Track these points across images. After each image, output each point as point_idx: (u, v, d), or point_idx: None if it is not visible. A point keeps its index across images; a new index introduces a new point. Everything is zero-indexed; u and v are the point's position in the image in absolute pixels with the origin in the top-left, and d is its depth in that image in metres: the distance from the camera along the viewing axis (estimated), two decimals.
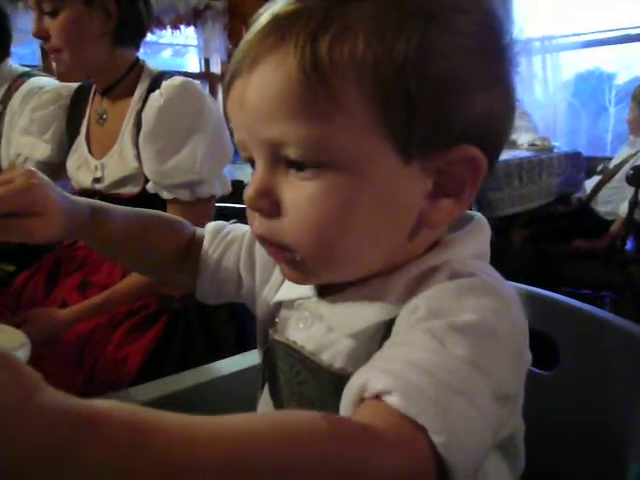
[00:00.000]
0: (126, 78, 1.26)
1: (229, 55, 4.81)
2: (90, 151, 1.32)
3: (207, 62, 4.90)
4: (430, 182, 0.43)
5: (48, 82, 1.59)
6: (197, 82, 1.26)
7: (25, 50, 3.84)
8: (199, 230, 0.66)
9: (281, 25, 0.41)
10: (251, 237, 0.61)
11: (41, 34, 1.19)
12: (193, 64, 4.92)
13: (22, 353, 0.70)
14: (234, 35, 4.83)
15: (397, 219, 0.44)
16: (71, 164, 1.35)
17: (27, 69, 1.72)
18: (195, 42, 4.75)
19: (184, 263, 0.64)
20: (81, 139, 1.35)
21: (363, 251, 0.45)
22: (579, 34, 3.81)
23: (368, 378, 0.35)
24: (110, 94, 1.29)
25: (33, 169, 0.57)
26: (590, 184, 3.09)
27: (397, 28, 0.39)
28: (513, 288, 0.46)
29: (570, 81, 4.04)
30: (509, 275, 0.64)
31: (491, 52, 0.44)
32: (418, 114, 0.40)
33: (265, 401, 0.57)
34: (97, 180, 1.27)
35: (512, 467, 0.50)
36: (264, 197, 0.44)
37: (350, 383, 0.37)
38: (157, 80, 1.24)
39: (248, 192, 0.45)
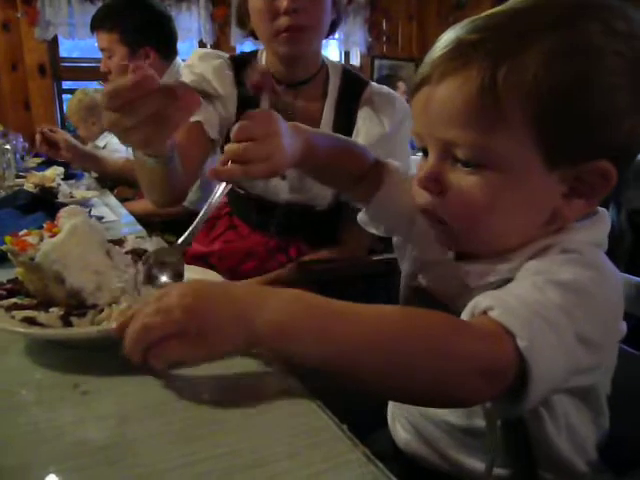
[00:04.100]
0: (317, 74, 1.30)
1: (369, 48, 4.92)
2: None
3: (347, 55, 5.06)
4: (566, 186, 0.53)
5: None
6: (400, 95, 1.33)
7: (184, 45, 4.23)
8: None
9: (464, 51, 0.51)
10: None
11: None
12: (333, 56, 5.11)
13: None
14: (374, 28, 4.93)
15: (534, 213, 0.54)
16: None
17: None
18: (336, 35, 4.92)
19: (363, 181, 0.74)
20: None
21: (502, 233, 0.55)
22: None
23: (479, 300, 0.48)
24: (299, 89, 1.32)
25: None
26: None
27: (558, 66, 0.49)
28: (621, 276, 0.55)
29: None
30: None
31: None
32: (566, 136, 0.50)
33: None
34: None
35: (595, 420, 0.59)
36: (432, 180, 0.56)
37: (466, 306, 0.50)
38: (350, 80, 1.29)
39: (419, 174, 0.57)
